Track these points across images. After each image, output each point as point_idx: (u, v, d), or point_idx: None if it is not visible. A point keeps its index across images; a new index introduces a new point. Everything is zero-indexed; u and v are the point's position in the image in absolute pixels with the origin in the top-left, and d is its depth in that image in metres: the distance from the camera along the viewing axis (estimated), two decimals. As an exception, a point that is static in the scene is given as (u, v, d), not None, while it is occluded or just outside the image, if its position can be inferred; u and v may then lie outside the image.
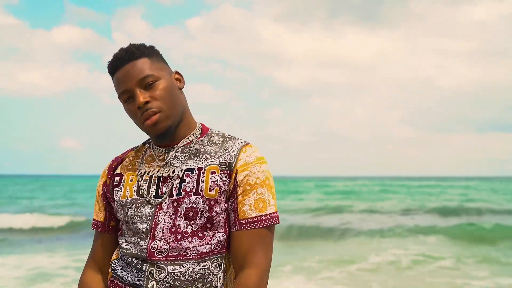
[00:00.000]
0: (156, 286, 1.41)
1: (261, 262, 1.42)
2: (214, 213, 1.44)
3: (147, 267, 1.43)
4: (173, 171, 1.48)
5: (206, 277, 1.43)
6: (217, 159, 1.47)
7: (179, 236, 1.43)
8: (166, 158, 1.52)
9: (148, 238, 1.45)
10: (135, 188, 1.51)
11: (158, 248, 1.43)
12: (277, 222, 1.47)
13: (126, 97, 1.47)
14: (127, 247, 1.49)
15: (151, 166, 1.53)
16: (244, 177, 1.45)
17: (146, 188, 1.50)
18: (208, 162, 1.47)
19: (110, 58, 1.51)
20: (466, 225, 15.78)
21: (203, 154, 1.49)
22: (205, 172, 1.45)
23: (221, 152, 1.49)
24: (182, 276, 1.41)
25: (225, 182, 1.45)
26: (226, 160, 1.46)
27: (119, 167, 1.60)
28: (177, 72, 1.56)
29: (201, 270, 1.42)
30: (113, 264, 1.56)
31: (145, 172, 1.53)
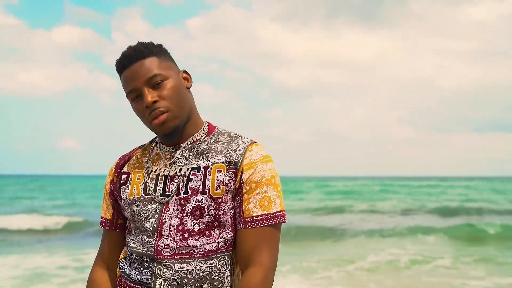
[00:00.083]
0: (164, 285, 1.42)
1: (266, 261, 1.42)
2: (220, 212, 1.45)
3: (155, 265, 1.44)
4: (180, 170, 1.49)
5: (213, 275, 1.43)
6: (224, 158, 1.48)
7: (186, 235, 1.43)
8: (173, 157, 1.53)
9: (155, 236, 1.45)
10: (142, 187, 1.52)
11: (165, 246, 1.43)
12: (283, 220, 1.47)
13: (134, 95, 1.48)
14: (135, 245, 1.50)
15: (158, 165, 1.54)
16: (250, 175, 1.45)
17: (153, 186, 1.50)
18: (214, 161, 1.48)
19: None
20: (465, 225, 15.76)
21: (210, 153, 1.50)
22: (212, 170, 1.46)
23: (228, 151, 1.49)
24: (189, 274, 1.42)
25: (231, 180, 1.45)
26: (232, 159, 1.47)
27: (126, 165, 1.61)
28: (185, 71, 1.57)
29: (208, 268, 1.43)
30: (121, 263, 1.57)
31: (152, 171, 1.53)
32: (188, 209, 1.44)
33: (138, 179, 1.55)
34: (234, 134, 1.56)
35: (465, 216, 20.34)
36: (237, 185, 1.46)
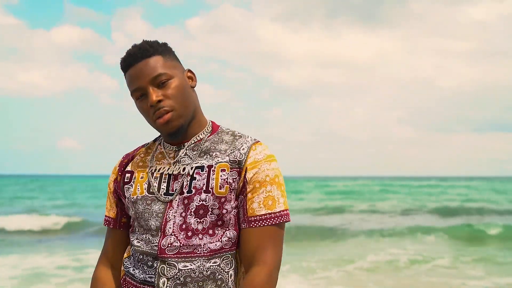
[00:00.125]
0: (167, 283, 1.42)
1: (270, 260, 1.42)
2: (224, 211, 1.45)
3: (158, 264, 1.44)
4: (184, 169, 1.49)
5: (217, 274, 1.43)
6: (227, 157, 1.48)
7: (189, 234, 1.43)
8: (177, 156, 1.53)
9: (159, 235, 1.45)
10: (146, 186, 1.52)
11: (169, 245, 1.44)
12: (287, 220, 1.47)
13: (139, 94, 1.48)
14: (138, 244, 1.50)
15: (161, 164, 1.54)
16: (254, 174, 1.45)
17: (156, 185, 1.51)
18: (218, 160, 1.48)
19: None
20: (465, 225, 15.77)
21: (213, 152, 1.50)
22: (215, 169, 1.46)
23: (231, 150, 1.50)
24: (193, 273, 1.42)
25: (235, 179, 1.46)
26: (236, 158, 1.47)
27: (130, 164, 1.61)
28: (189, 71, 1.57)
29: (211, 267, 1.43)
30: (125, 262, 1.57)
31: (155, 170, 1.54)
32: (192, 208, 1.44)
33: (142, 178, 1.55)
34: (238, 133, 1.57)
35: (465, 216, 20.34)
36: (241, 184, 1.46)
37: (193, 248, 1.43)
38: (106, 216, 1.66)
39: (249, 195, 1.45)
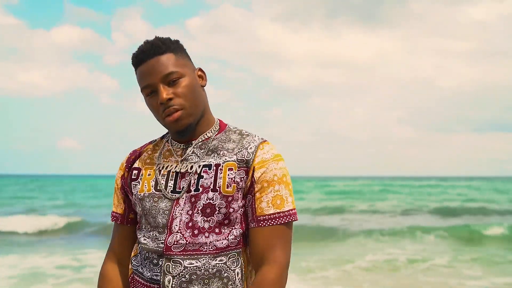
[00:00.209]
0: (173, 281, 1.42)
1: (280, 259, 1.43)
2: (231, 210, 1.45)
3: (164, 262, 1.44)
4: (191, 167, 1.49)
5: (223, 272, 1.43)
6: (235, 156, 1.48)
7: (196, 232, 1.43)
8: (184, 154, 1.53)
9: (166, 232, 1.45)
10: (153, 183, 1.52)
11: (175, 242, 1.43)
12: (295, 219, 1.48)
13: (149, 91, 1.48)
14: (145, 241, 1.50)
15: (169, 161, 1.54)
16: (262, 174, 1.45)
17: (164, 183, 1.51)
18: (225, 159, 1.48)
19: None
20: (465, 225, 15.76)
21: (221, 151, 1.50)
22: (223, 168, 1.46)
23: (239, 149, 1.49)
24: (198, 270, 1.41)
25: (242, 179, 1.45)
26: (244, 157, 1.47)
27: (137, 161, 1.61)
28: (200, 69, 1.56)
29: (217, 265, 1.43)
30: (133, 261, 1.57)
31: (163, 167, 1.54)
32: (199, 207, 1.44)
33: (149, 175, 1.55)
34: (245, 132, 1.57)
35: (465, 216, 20.33)
36: (249, 183, 1.46)
37: (199, 246, 1.43)
38: (113, 212, 1.65)
39: (257, 194, 1.45)
